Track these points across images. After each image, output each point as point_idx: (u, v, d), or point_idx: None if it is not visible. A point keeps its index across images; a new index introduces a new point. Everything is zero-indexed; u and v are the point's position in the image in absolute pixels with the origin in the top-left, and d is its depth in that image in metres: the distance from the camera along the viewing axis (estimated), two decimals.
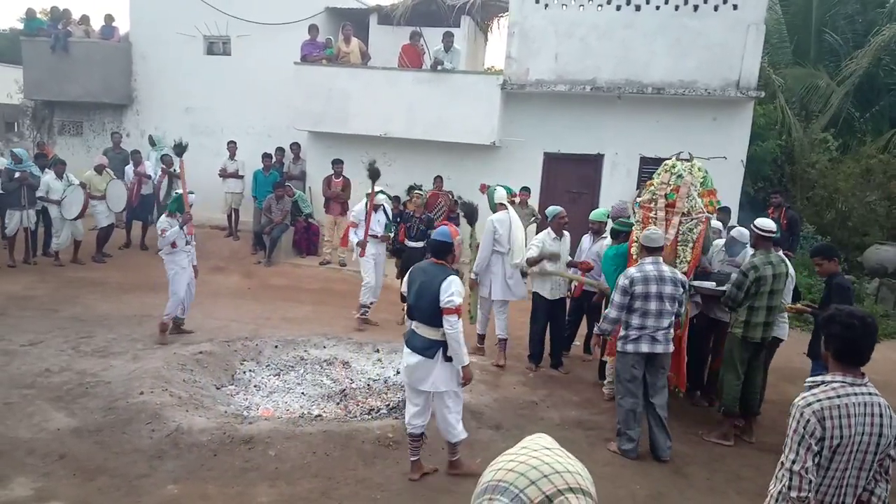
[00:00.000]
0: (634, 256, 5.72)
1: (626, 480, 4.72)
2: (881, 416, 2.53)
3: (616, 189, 10.98)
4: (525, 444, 1.16)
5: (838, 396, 2.51)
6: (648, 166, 10.98)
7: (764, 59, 10.93)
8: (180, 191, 7.37)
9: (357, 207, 8.41)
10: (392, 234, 8.43)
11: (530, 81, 10.96)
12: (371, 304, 8.43)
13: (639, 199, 5.89)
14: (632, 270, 5.07)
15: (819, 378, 2.63)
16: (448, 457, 4.70)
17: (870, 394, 2.55)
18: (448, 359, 4.42)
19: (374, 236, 8.31)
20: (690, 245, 5.63)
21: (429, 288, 4.34)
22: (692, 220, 5.58)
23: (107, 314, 7.98)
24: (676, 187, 5.59)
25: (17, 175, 9.96)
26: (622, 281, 5.04)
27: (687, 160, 5.74)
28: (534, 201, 10.86)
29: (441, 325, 4.32)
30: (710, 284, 5.88)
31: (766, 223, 5.47)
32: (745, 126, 10.53)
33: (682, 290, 5.10)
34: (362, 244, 8.22)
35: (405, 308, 8.19)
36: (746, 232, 6.46)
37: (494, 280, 7.05)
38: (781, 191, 10.99)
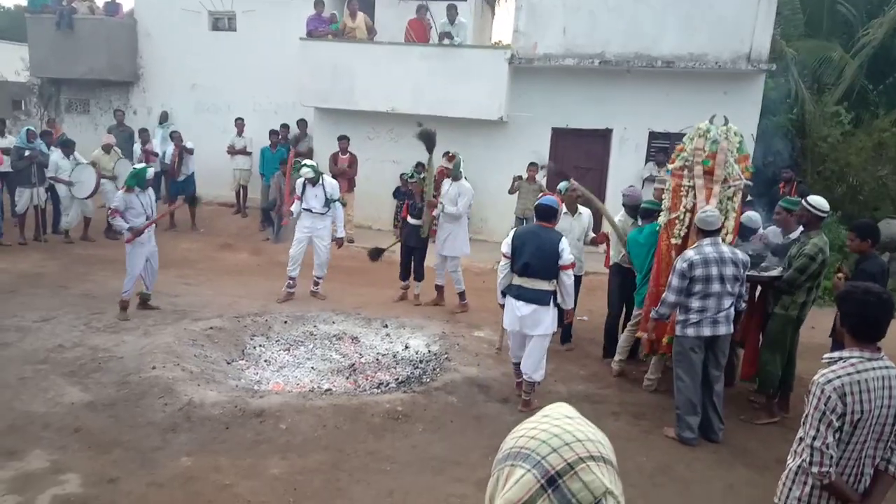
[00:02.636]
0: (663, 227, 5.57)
1: (633, 453, 4.76)
2: None
3: (625, 164, 10.90)
4: (547, 413, 1.17)
5: (857, 372, 2.54)
6: (657, 140, 10.88)
7: (776, 32, 10.69)
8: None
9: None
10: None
11: (538, 56, 10.82)
12: (314, 278, 8.47)
13: (670, 166, 5.63)
14: (690, 253, 4.85)
15: (836, 354, 2.65)
16: (524, 396, 5.40)
17: (886, 367, 2.59)
18: (556, 305, 5.20)
19: (309, 210, 8.21)
20: (733, 214, 5.40)
21: (545, 247, 5.06)
22: (729, 187, 5.34)
23: (117, 290, 8.00)
24: (712, 153, 5.31)
25: (27, 153, 10.01)
26: (681, 264, 4.82)
27: (722, 124, 5.44)
28: (541, 176, 10.77)
29: (552, 278, 5.13)
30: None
31: (821, 202, 5.25)
32: (756, 100, 10.38)
33: (743, 270, 4.94)
34: (286, 213, 8.85)
35: (404, 286, 8.30)
36: (756, 216, 6.32)
37: (446, 237, 7.95)
38: (792, 165, 10.88)
